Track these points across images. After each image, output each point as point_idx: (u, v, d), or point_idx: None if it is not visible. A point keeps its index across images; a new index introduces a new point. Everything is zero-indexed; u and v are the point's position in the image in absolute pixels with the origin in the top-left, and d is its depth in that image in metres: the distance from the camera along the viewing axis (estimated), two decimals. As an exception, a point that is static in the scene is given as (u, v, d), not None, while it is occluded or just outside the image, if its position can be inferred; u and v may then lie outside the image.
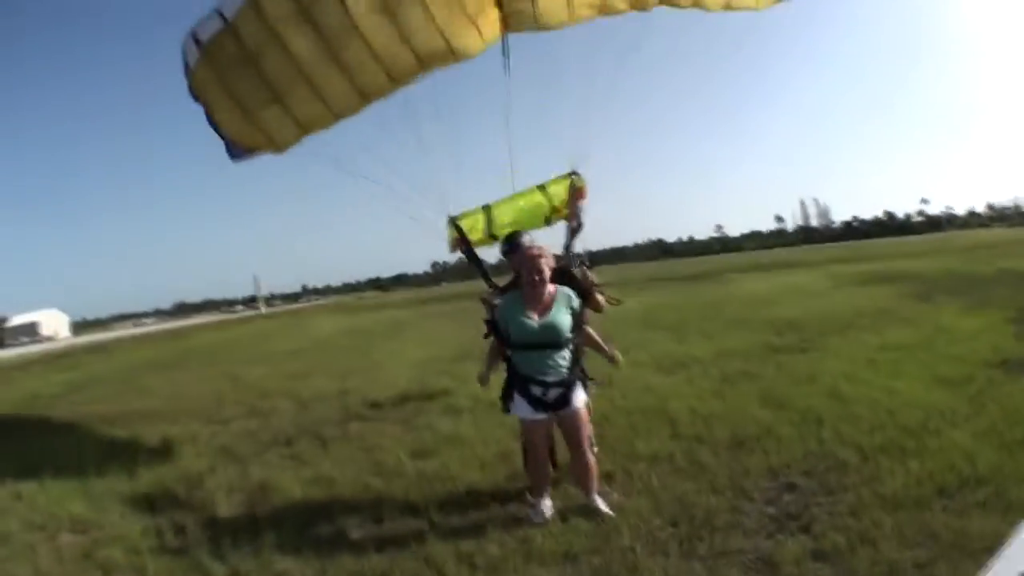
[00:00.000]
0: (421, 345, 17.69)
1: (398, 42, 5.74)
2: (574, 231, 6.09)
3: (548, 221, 6.54)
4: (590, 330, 5.45)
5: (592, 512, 4.84)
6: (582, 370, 5.09)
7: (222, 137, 6.64)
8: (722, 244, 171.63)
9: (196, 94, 6.42)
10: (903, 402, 6.83)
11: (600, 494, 5.02)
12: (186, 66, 6.31)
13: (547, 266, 4.86)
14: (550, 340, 4.81)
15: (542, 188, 6.45)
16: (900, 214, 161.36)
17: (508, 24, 6.10)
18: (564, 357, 4.85)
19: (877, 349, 9.84)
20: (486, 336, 5.45)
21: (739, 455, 5.82)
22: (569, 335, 4.87)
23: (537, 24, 6.12)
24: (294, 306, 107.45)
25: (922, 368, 8.25)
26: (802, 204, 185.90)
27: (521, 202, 6.48)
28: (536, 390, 4.85)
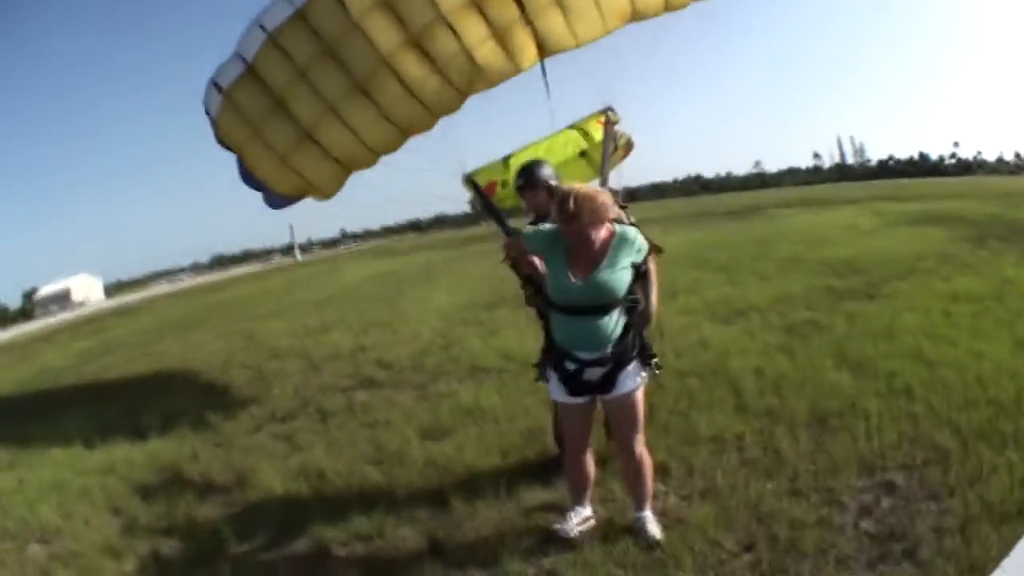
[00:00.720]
0: (452, 291, 16.34)
1: (432, 74, 5.25)
2: (611, 155, 5.13)
3: (584, 155, 5.75)
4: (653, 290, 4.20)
5: (639, 535, 3.70)
6: (643, 344, 3.73)
7: (256, 187, 6.35)
8: (760, 180, 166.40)
9: (224, 143, 6.06)
10: (992, 369, 5.55)
11: (654, 498, 3.90)
12: (209, 115, 6.01)
13: (593, 211, 3.46)
14: (595, 303, 3.51)
15: (573, 127, 5.78)
16: (933, 156, 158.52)
17: (544, 48, 5.49)
18: (612, 326, 3.53)
19: (949, 299, 8.47)
20: (528, 298, 4.35)
21: (822, 438, 4.65)
22: (622, 296, 3.54)
23: (576, 42, 5.55)
24: (330, 252, 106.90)
25: (1001, 327, 6.89)
26: (839, 141, 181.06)
27: (548, 142, 5.70)
28: (570, 366, 3.63)
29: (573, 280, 3.52)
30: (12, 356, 21.48)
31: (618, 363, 3.57)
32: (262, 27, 5.23)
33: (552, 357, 3.75)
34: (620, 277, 3.51)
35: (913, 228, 17.98)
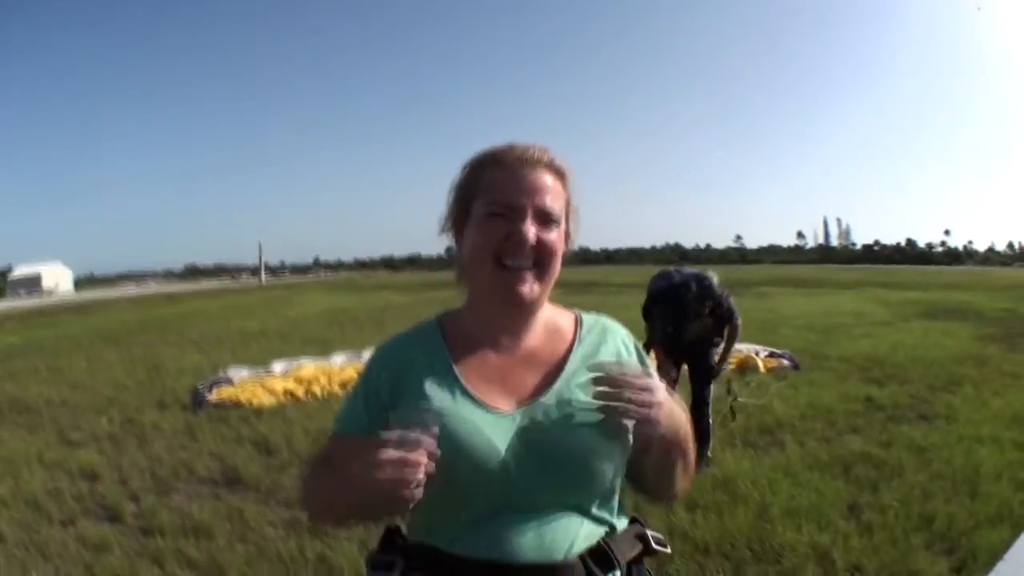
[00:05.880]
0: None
1: None
2: None
3: None
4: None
5: None
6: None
7: None
8: (740, 255, 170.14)
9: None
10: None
11: None
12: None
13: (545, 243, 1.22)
14: (553, 478, 1.17)
15: None
16: (921, 242, 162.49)
17: None
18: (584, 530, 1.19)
19: (1012, 423, 6.79)
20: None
21: None
22: (611, 473, 1.21)
23: None
24: (297, 279, 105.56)
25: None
26: (824, 223, 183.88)
27: None
28: None
29: (487, 413, 1.20)
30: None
31: None
32: None
33: None
34: (595, 431, 1.17)
35: (929, 322, 17.09)
